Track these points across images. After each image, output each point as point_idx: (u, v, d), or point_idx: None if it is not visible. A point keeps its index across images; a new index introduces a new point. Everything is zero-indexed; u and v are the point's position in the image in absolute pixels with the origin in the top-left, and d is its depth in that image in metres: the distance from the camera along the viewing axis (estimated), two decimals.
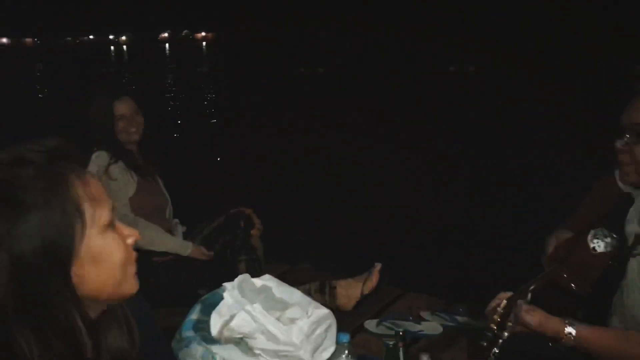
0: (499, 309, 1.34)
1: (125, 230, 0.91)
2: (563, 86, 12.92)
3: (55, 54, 56.84)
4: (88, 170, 0.90)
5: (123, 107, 2.69)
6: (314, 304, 1.70)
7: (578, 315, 1.58)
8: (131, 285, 0.92)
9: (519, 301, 1.33)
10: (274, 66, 26.64)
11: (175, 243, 2.68)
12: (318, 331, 1.62)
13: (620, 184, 1.74)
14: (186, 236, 2.85)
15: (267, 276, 1.77)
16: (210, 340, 1.57)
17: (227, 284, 1.66)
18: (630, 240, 1.62)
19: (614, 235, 1.70)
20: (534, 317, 1.34)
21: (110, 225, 0.88)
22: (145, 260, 2.34)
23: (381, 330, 2.19)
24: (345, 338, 1.57)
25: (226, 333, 1.55)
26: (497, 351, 1.28)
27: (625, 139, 1.59)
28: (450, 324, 2.25)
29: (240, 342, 1.57)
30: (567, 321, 1.34)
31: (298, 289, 1.78)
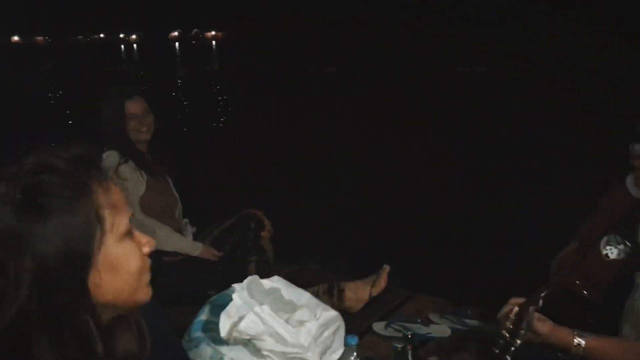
0: (511, 315, 1.33)
1: (143, 238, 0.92)
2: (565, 87, 12.82)
3: (66, 52, 57.15)
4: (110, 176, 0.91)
5: (134, 107, 2.70)
6: (322, 306, 1.70)
7: (589, 322, 1.57)
8: (145, 294, 0.93)
9: (531, 308, 1.32)
10: (284, 65, 26.65)
11: (185, 243, 2.69)
12: (326, 333, 1.62)
13: (632, 190, 1.73)
14: (197, 237, 2.86)
15: (276, 277, 1.77)
16: (219, 341, 1.57)
17: (236, 285, 1.66)
18: None
19: (627, 242, 1.69)
20: (545, 326, 1.34)
21: (128, 234, 0.89)
22: (156, 260, 2.34)
23: (389, 332, 2.18)
24: (354, 340, 1.57)
25: (235, 334, 1.55)
26: (509, 358, 1.28)
27: None
28: (459, 327, 2.24)
29: (249, 344, 1.57)
30: (576, 332, 1.33)
31: (306, 290, 1.78)
